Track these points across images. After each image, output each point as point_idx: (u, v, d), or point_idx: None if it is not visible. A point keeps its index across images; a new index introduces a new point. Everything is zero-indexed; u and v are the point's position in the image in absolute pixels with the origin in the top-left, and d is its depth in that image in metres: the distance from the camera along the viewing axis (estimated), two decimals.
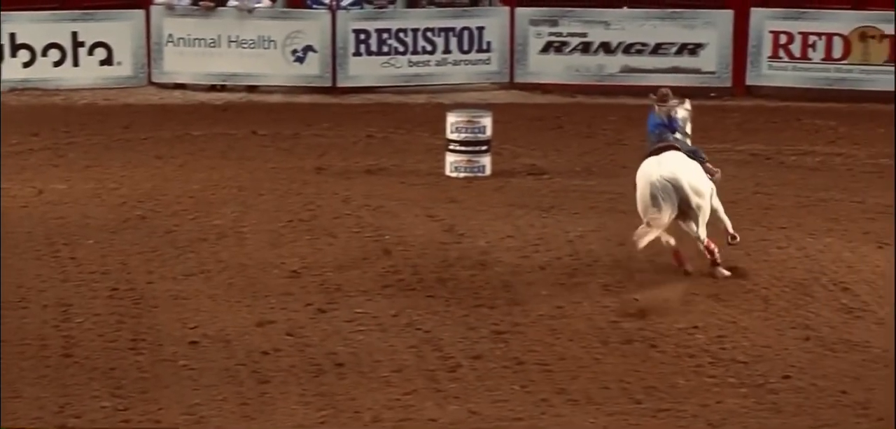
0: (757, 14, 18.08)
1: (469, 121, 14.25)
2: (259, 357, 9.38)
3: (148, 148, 15.51)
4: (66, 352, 9.46)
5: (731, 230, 11.05)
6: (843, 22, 17.95)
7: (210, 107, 17.77)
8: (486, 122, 14.28)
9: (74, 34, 18.29)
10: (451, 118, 14.29)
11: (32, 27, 18.17)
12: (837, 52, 17.89)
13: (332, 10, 18.50)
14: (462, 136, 14.21)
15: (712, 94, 17.86)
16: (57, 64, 18.27)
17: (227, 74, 18.45)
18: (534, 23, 18.41)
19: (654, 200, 10.62)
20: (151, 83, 18.50)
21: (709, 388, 8.88)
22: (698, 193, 10.76)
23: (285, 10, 18.96)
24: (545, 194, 13.50)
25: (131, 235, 12.07)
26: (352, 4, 18.97)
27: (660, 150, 10.98)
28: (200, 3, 18.45)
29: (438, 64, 18.48)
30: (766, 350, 9.43)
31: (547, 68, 18.44)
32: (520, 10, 18.45)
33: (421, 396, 8.80)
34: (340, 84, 18.41)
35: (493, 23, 18.51)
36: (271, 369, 9.19)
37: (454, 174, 14.19)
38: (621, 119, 16.70)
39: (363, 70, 18.43)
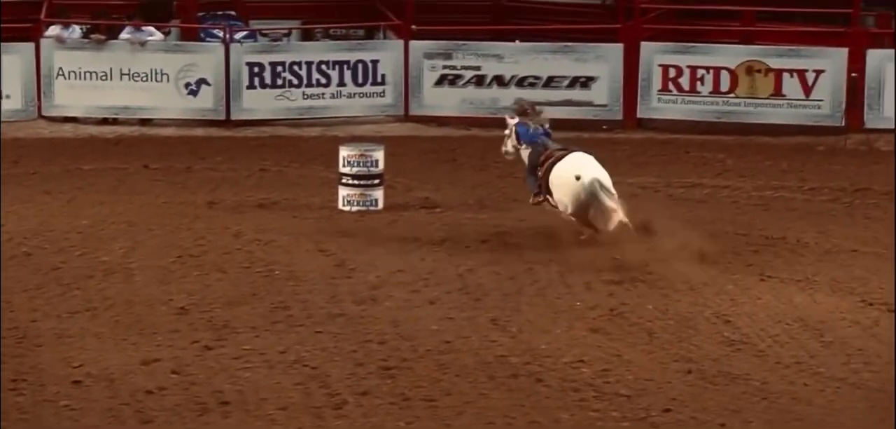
0: (647, 48, 18.37)
1: (361, 155, 14.26)
2: (143, 396, 9.27)
3: (36, 183, 15.30)
4: None
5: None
6: (731, 56, 18.31)
7: (102, 140, 17.58)
8: (379, 155, 14.29)
9: None
10: (344, 152, 14.30)
11: None
12: (725, 85, 18.23)
13: (226, 43, 18.43)
14: (354, 169, 14.20)
15: (604, 127, 18.12)
16: None
17: (120, 108, 18.28)
18: (428, 56, 18.52)
19: (589, 205, 12.23)
20: (42, 117, 18.26)
21: (592, 422, 8.97)
22: (607, 181, 12.37)
23: (178, 43, 18.86)
24: (437, 228, 13.55)
25: (16, 271, 11.88)
26: (246, 37, 18.94)
27: (561, 154, 12.58)
28: (92, 36, 18.29)
29: (333, 97, 18.50)
30: (650, 383, 9.54)
31: (441, 101, 18.56)
32: (414, 43, 18.56)
33: None
34: (234, 117, 18.34)
35: (387, 56, 18.57)
36: (155, 409, 9.10)
37: (347, 208, 14.18)
38: None
39: (257, 103, 18.38)
